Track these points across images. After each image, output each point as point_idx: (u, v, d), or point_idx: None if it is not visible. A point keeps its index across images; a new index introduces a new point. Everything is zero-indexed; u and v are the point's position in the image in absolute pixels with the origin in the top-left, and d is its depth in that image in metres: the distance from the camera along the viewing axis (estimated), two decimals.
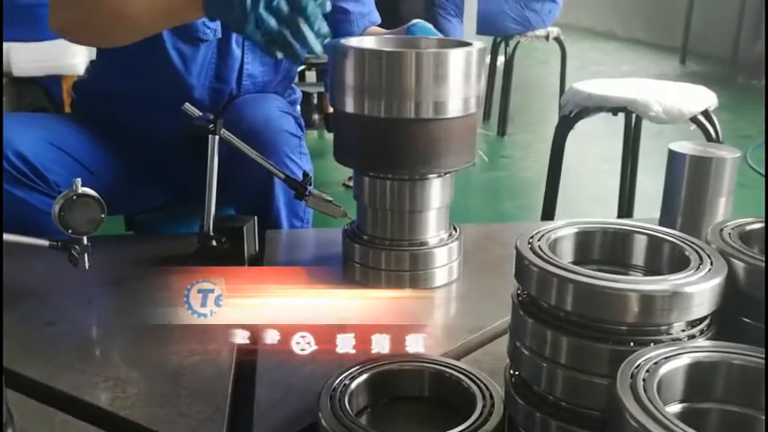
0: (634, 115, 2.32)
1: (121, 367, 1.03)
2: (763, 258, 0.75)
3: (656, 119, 2.09)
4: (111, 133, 1.68)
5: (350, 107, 1.20)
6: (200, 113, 1.32)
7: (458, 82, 1.17)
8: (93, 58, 1.81)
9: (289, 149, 1.56)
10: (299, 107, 1.97)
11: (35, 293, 1.22)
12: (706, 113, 2.13)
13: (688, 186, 1.11)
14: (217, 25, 1.61)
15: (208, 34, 1.60)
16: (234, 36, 1.64)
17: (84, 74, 1.82)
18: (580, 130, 2.46)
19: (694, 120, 2.13)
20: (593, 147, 4.49)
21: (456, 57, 1.16)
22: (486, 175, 4.23)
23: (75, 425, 0.91)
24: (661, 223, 1.10)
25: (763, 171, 4.15)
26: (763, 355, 0.64)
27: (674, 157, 1.12)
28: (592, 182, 4.08)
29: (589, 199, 3.80)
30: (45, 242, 1.19)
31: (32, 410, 0.92)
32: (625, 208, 2.70)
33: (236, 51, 1.65)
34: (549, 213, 2.50)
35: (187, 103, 1.33)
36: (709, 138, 2.12)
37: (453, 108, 1.18)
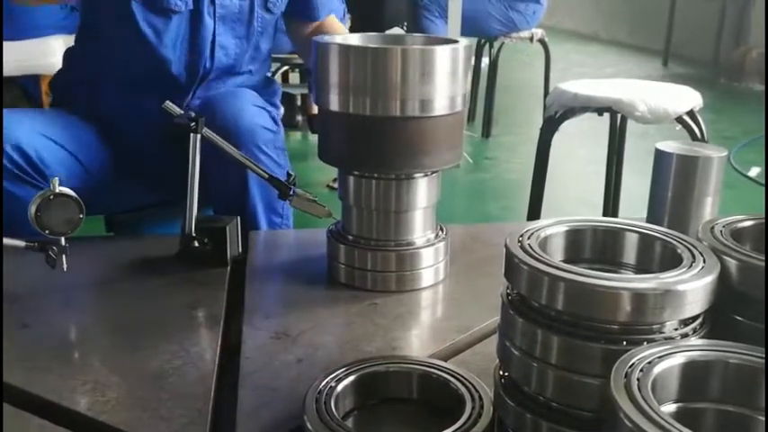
0: (619, 115, 2.32)
1: (101, 370, 1.00)
2: (756, 256, 0.74)
3: (641, 119, 2.09)
4: (94, 124, 1.67)
5: (334, 105, 1.18)
6: (182, 112, 1.30)
7: (444, 79, 1.15)
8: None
9: (262, 143, 1.55)
10: (278, 100, 1.96)
11: (10, 295, 1.19)
12: (691, 113, 2.13)
13: (675, 185, 1.10)
14: None
15: (179, 6, 1.59)
16: (205, 7, 1.63)
17: (63, 64, 1.79)
18: (565, 131, 2.46)
19: (680, 120, 2.12)
20: (578, 148, 4.50)
21: (442, 54, 1.14)
22: (470, 176, 4.22)
23: (53, 430, 0.88)
24: (648, 223, 1.09)
25: (746, 172, 4.18)
26: (762, 355, 0.62)
27: (660, 157, 1.11)
28: (576, 183, 4.08)
29: (574, 200, 3.81)
30: (21, 243, 1.16)
31: (8, 416, 0.89)
32: (610, 209, 2.70)
33: (209, 22, 1.64)
34: (534, 214, 2.49)
35: (168, 102, 1.30)
36: (694, 137, 2.11)
37: (440, 106, 1.16)
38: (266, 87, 1.86)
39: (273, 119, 1.67)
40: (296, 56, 3.65)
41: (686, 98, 2.15)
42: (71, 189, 1.52)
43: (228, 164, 1.37)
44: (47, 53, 3.23)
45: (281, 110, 1.97)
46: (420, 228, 1.27)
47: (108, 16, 1.63)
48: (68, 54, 1.79)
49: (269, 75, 1.96)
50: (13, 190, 1.42)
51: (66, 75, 1.76)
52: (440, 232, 1.32)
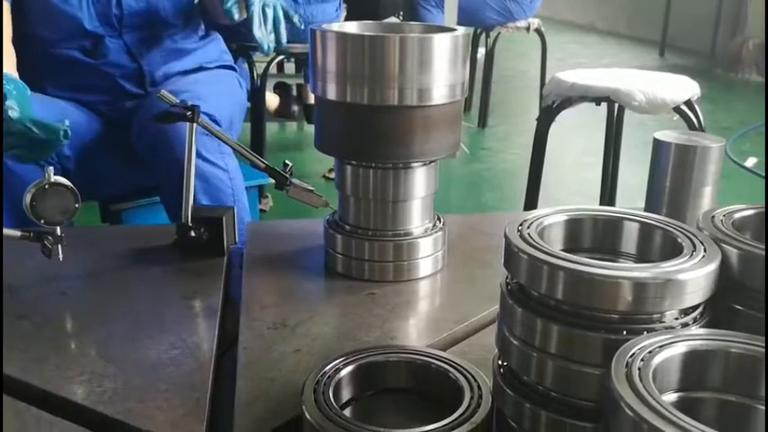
0: (617, 105, 2.31)
1: (98, 361, 1.00)
2: (756, 245, 0.74)
3: (639, 108, 2.09)
4: (67, 99, 1.73)
5: (332, 94, 1.17)
6: (178, 101, 1.29)
7: (443, 68, 1.14)
8: None
9: (202, 148, 1.55)
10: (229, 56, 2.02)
11: (7, 286, 1.18)
12: (689, 103, 2.13)
13: (673, 175, 1.09)
14: None
15: None
16: None
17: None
18: (561, 122, 2.45)
19: (677, 109, 2.12)
20: (575, 139, 4.50)
21: (441, 42, 1.13)
22: (466, 166, 4.22)
23: (50, 420, 0.87)
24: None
25: (742, 162, 4.18)
26: (763, 344, 0.62)
27: (658, 146, 1.11)
28: (573, 173, 4.08)
29: (570, 190, 3.81)
30: (17, 233, 1.15)
31: (4, 406, 0.88)
32: (607, 199, 2.70)
33: None
34: (531, 204, 2.49)
35: (163, 91, 1.29)
36: (692, 127, 2.11)
37: (438, 95, 1.16)
38: (207, 41, 1.91)
39: (215, 121, 1.68)
40: (292, 45, 3.63)
41: (684, 88, 2.15)
42: (72, 168, 1.52)
43: (169, 162, 1.37)
44: None
45: (238, 68, 2.01)
46: (417, 217, 1.27)
47: None
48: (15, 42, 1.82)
49: (211, 33, 2.00)
50: (24, 176, 1.42)
51: (22, 60, 1.78)
52: (437, 222, 1.31)
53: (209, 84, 1.83)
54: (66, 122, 1.22)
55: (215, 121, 1.70)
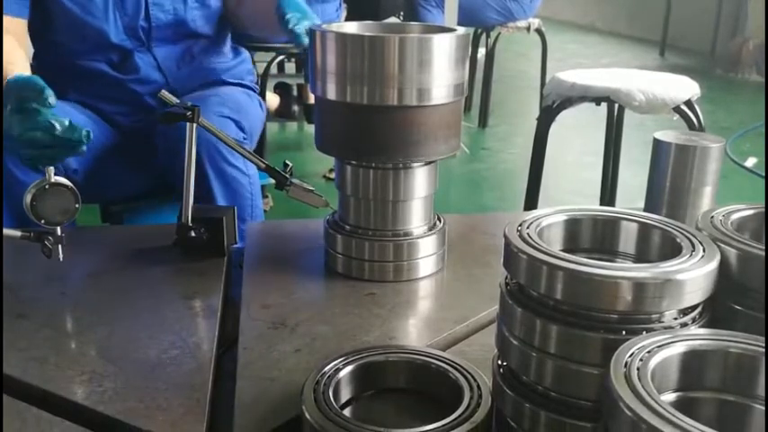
0: (617, 105, 2.31)
1: (98, 361, 1.00)
2: (756, 245, 0.74)
3: (639, 108, 2.09)
4: (84, 106, 1.72)
5: (332, 94, 1.17)
6: (177, 101, 1.29)
7: (442, 68, 1.15)
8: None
9: (229, 153, 1.55)
10: (253, 77, 1.99)
11: (7, 285, 1.18)
12: (689, 103, 2.13)
13: (673, 175, 1.09)
14: None
15: None
16: None
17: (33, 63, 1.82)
18: (561, 122, 2.45)
19: (677, 109, 2.12)
20: (575, 139, 4.50)
21: (440, 42, 1.14)
22: (466, 166, 4.22)
23: (50, 420, 0.88)
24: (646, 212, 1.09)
25: (742, 162, 4.18)
26: (762, 344, 0.62)
27: (659, 146, 1.11)
28: (573, 174, 4.08)
29: (570, 191, 3.81)
30: (17, 233, 1.15)
31: (4, 406, 0.89)
32: (607, 199, 2.70)
33: None
34: (531, 205, 2.49)
35: (164, 90, 1.29)
36: (692, 127, 2.11)
37: (438, 95, 1.16)
38: (237, 61, 1.89)
39: (241, 128, 1.67)
40: (291, 45, 3.64)
41: (684, 88, 2.15)
42: (80, 179, 1.52)
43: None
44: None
45: (257, 88, 2.01)
46: (417, 217, 1.27)
47: (38, 6, 1.63)
48: (34, 54, 1.80)
49: (241, 52, 1.98)
50: (24, 178, 1.42)
51: (43, 67, 1.78)
52: (437, 222, 1.31)
53: (238, 99, 1.82)
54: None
55: (240, 128, 1.68)
